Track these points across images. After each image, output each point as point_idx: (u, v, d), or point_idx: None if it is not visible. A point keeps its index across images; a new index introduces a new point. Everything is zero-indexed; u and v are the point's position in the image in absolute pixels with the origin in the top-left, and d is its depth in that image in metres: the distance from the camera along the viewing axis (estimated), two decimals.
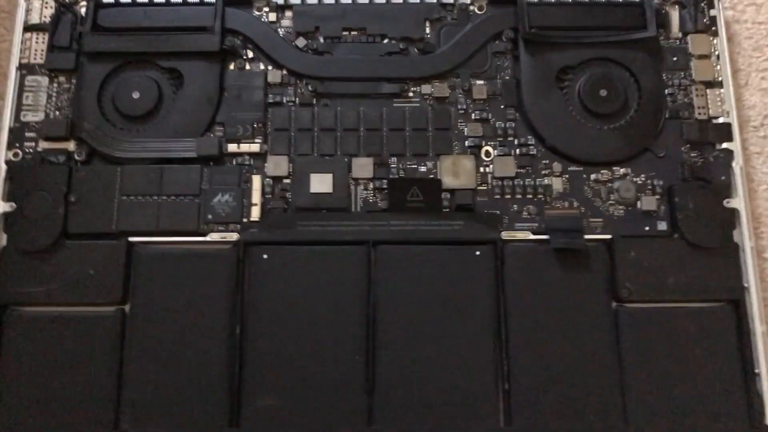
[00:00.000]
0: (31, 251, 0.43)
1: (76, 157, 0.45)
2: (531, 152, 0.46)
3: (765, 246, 0.46)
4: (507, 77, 0.47)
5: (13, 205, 0.43)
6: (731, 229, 0.44)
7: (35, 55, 0.47)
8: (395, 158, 0.45)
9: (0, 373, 0.41)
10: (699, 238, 0.43)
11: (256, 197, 0.44)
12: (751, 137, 0.48)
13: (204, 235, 0.43)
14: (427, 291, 0.43)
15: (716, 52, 0.47)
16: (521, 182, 0.45)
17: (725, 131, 0.46)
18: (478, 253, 0.43)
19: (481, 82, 0.47)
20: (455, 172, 0.45)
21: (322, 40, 0.47)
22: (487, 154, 0.46)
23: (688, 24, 0.47)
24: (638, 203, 0.45)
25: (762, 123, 0.48)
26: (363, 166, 0.45)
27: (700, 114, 0.46)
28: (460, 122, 0.46)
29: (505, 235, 0.44)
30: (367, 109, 0.46)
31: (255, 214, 0.44)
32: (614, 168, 0.45)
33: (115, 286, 0.42)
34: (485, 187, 0.45)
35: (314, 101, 0.46)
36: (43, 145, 0.45)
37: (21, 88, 0.46)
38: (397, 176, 0.45)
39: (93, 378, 0.41)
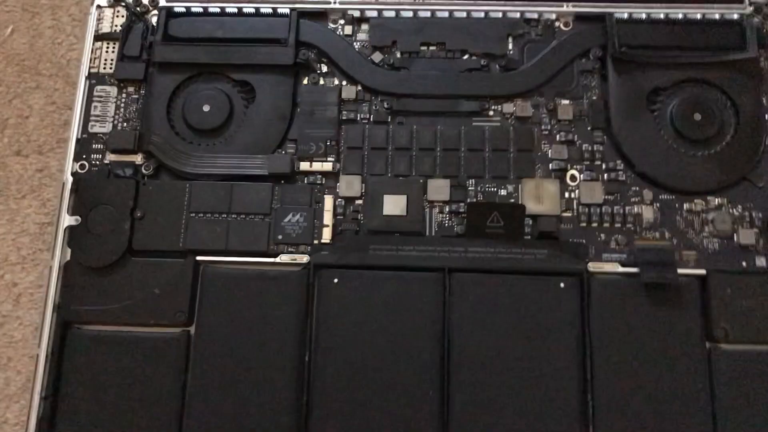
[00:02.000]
0: (96, 267, 0.43)
1: (144, 171, 0.45)
2: (620, 178, 0.44)
3: None
4: (594, 97, 0.46)
5: (78, 218, 0.44)
6: None
7: (105, 64, 0.47)
8: (473, 180, 0.44)
9: (62, 393, 0.41)
10: None
11: (327, 218, 0.44)
12: None
13: (274, 256, 0.43)
14: (506, 324, 0.41)
15: None
16: (609, 210, 0.44)
17: None
18: (562, 285, 0.42)
19: (567, 101, 0.46)
20: (538, 197, 0.44)
21: (398, 54, 0.47)
22: (573, 178, 0.44)
23: None
24: (735, 236, 0.43)
25: None
26: (439, 188, 0.44)
27: None
28: (544, 144, 0.45)
29: (592, 266, 0.42)
30: (445, 128, 0.45)
31: (326, 235, 0.43)
32: (709, 198, 0.44)
33: (181, 307, 0.42)
34: (570, 214, 0.44)
35: (389, 119, 0.46)
36: (110, 157, 0.45)
37: (90, 98, 0.46)
38: (475, 199, 0.44)
39: (155, 401, 0.41)
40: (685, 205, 0.44)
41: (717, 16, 0.46)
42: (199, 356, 0.42)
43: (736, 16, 0.46)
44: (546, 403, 0.40)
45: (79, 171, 0.45)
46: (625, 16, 0.46)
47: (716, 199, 0.44)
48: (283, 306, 0.42)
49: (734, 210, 0.43)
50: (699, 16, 0.46)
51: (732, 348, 0.41)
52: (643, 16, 0.46)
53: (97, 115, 0.46)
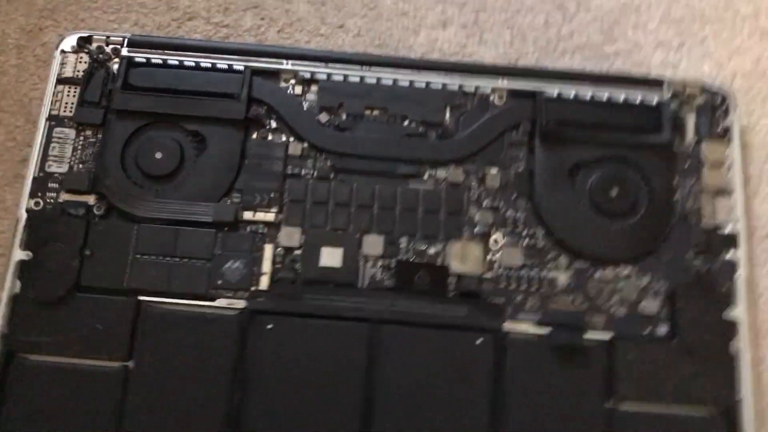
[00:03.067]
0: (43, 301, 0.46)
1: (95, 211, 0.48)
2: (539, 244, 0.49)
3: (763, 357, 0.49)
4: (521, 168, 0.50)
5: (30, 254, 0.47)
6: (730, 339, 0.47)
7: (65, 107, 0.50)
8: (406, 238, 0.48)
9: (2, 418, 0.44)
10: (697, 346, 0.46)
11: (266, 266, 0.47)
12: (757, 247, 0.51)
13: (212, 299, 0.46)
14: (427, 374, 0.45)
15: (729, 161, 0.50)
16: (527, 273, 0.48)
17: (732, 240, 0.48)
18: (478, 342, 0.46)
19: (495, 170, 0.50)
20: (464, 258, 0.48)
21: (344, 116, 0.51)
22: (496, 242, 0.49)
23: (702, 131, 0.51)
24: (640, 305, 0.47)
25: None
26: (373, 244, 0.48)
27: (707, 222, 0.49)
28: (472, 208, 0.49)
29: (507, 325, 0.46)
30: (383, 188, 0.49)
31: (264, 282, 0.47)
32: (619, 267, 0.48)
33: (122, 342, 0.45)
34: (491, 275, 0.48)
35: (332, 176, 0.50)
36: (64, 196, 0.48)
37: (49, 139, 0.49)
38: (406, 255, 0.48)
39: (94, 430, 0.44)
40: (597, 274, 0.48)
41: (638, 100, 0.51)
42: (136, 390, 0.45)
43: (654, 102, 0.51)
44: None
45: (33, 208, 0.48)
46: (555, 94, 0.51)
47: (626, 270, 0.48)
48: (218, 347, 0.45)
49: (641, 281, 0.48)
50: (621, 99, 0.51)
51: (632, 408, 0.45)
52: (571, 95, 0.51)
53: (55, 156, 0.49)
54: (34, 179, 0.49)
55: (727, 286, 0.48)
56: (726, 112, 0.51)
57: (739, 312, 0.47)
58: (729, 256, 0.48)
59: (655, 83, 0.51)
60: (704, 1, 0.56)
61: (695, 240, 0.49)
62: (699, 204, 0.49)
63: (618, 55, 0.54)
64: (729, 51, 0.54)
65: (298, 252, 0.48)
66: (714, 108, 0.51)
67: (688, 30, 0.55)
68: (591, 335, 0.46)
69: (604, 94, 0.51)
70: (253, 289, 0.47)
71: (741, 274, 0.48)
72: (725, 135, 0.51)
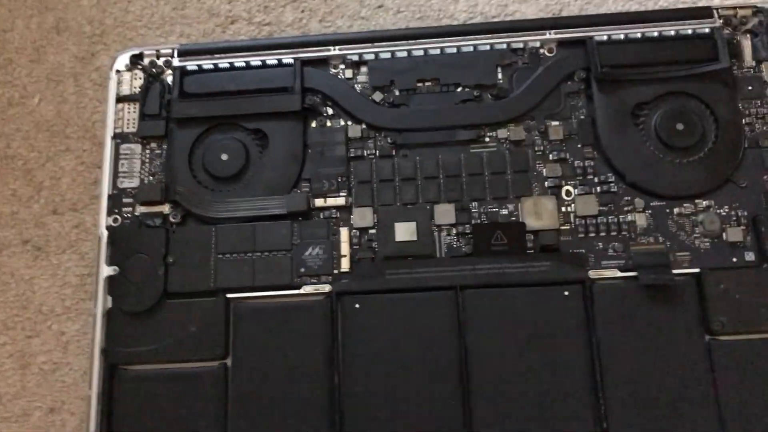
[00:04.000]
0: (136, 312, 0.47)
1: (172, 219, 0.49)
2: (612, 189, 0.48)
3: None
4: (582, 117, 0.50)
5: (116, 268, 0.48)
6: None
7: (128, 124, 0.52)
8: (476, 203, 0.49)
9: (114, 430, 0.45)
10: None
11: (344, 249, 0.48)
12: None
13: (298, 288, 0.47)
14: (518, 333, 0.45)
15: None
16: (604, 220, 0.48)
17: None
18: (566, 293, 0.46)
19: (557, 123, 0.50)
20: (537, 214, 0.48)
21: (397, 92, 0.51)
22: (568, 193, 0.48)
23: (762, 52, 0.50)
24: (724, 235, 0.47)
25: None
26: (445, 213, 0.48)
27: None
28: (539, 164, 0.49)
29: (593, 273, 0.46)
30: (446, 157, 0.50)
31: (345, 265, 0.48)
32: (697, 201, 0.48)
33: (217, 342, 0.46)
34: (568, 227, 0.48)
35: (394, 152, 0.50)
36: (140, 209, 0.50)
37: (116, 157, 0.51)
38: (479, 221, 0.48)
39: (201, 430, 0.45)
40: (675, 210, 0.48)
41: (690, 32, 0.50)
42: (237, 386, 0.46)
43: (707, 30, 0.50)
44: (561, 404, 0.44)
45: (112, 224, 0.49)
46: (605, 38, 0.50)
47: (704, 202, 0.48)
48: (310, 333, 0.46)
49: (721, 210, 0.47)
50: (673, 33, 0.50)
51: (730, 339, 0.45)
52: (622, 36, 0.50)
53: (125, 172, 0.51)
54: (109, 197, 0.50)
55: None
56: None
57: None
58: None
59: (705, 12, 0.50)
60: None
61: None
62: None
63: None
64: None
65: (373, 231, 0.49)
66: None
67: None
68: (678, 271, 0.46)
69: (654, 30, 0.50)
70: (335, 272, 0.48)
71: None
72: None
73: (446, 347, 0.45)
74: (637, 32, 0.50)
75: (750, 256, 0.46)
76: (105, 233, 0.49)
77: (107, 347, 0.47)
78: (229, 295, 0.47)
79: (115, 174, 0.51)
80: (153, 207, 0.50)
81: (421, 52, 0.52)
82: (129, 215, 0.50)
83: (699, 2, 0.53)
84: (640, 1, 0.54)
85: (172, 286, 0.48)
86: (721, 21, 0.50)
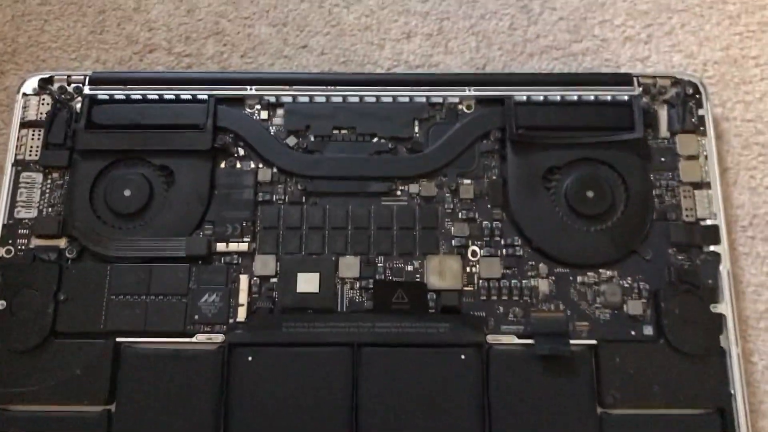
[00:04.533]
0: (20, 350, 0.45)
1: (68, 255, 0.48)
2: (517, 253, 0.48)
3: (752, 349, 0.48)
4: (494, 177, 0.49)
5: (3, 303, 0.46)
6: (718, 334, 0.46)
7: (30, 151, 0.50)
8: (382, 257, 0.48)
9: None
10: (684, 344, 0.45)
11: (243, 297, 0.47)
12: (740, 237, 0.50)
13: (190, 336, 0.46)
14: (412, 394, 0.45)
15: (704, 153, 0.49)
16: (507, 283, 0.47)
17: (713, 234, 0.48)
18: (463, 356, 0.45)
19: (468, 181, 0.49)
20: (441, 273, 0.47)
21: (312, 138, 0.50)
22: (474, 254, 0.48)
23: (676, 124, 0.50)
24: (624, 307, 0.47)
25: (750, 223, 0.50)
26: (350, 266, 0.48)
27: (687, 216, 0.48)
28: (447, 221, 0.49)
29: (491, 338, 0.46)
30: (356, 208, 0.49)
31: (241, 314, 0.47)
32: (601, 270, 0.48)
33: (102, 386, 0.45)
34: (471, 288, 0.47)
35: (303, 199, 0.49)
36: (35, 242, 0.48)
37: (16, 185, 0.49)
38: (383, 276, 0.47)
39: None
40: (579, 278, 0.47)
41: (609, 98, 0.50)
42: None
43: (626, 98, 0.50)
44: None
45: (5, 256, 0.48)
46: (524, 98, 0.50)
47: (608, 272, 0.48)
48: (200, 383, 0.45)
49: (624, 282, 0.47)
50: (592, 98, 0.50)
51: (621, 413, 0.45)
52: (541, 98, 0.50)
53: (23, 201, 0.49)
54: (4, 226, 0.48)
55: (712, 281, 0.47)
56: (699, 103, 0.50)
57: (725, 306, 0.46)
58: (711, 249, 0.48)
59: (625, 79, 0.50)
60: None
61: (676, 236, 0.48)
62: (678, 199, 0.49)
63: (586, 53, 0.54)
64: (698, 40, 0.54)
65: (274, 280, 0.47)
66: (686, 100, 0.50)
67: (655, 22, 0.54)
68: (576, 341, 0.46)
69: (573, 94, 0.50)
70: (231, 321, 0.46)
71: (725, 267, 0.47)
72: (699, 126, 0.50)
73: (339, 405, 0.44)
74: (556, 95, 0.50)
75: (648, 330, 0.46)
76: None
77: None
78: (119, 339, 0.46)
79: (13, 203, 0.49)
80: (49, 240, 0.48)
81: (340, 99, 0.51)
82: (23, 247, 0.48)
83: (622, 68, 0.53)
84: (564, 61, 0.53)
85: (61, 326, 0.46)
86: (640, 89, 0.50)
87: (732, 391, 0.45)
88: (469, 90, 0.50)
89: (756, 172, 0.51)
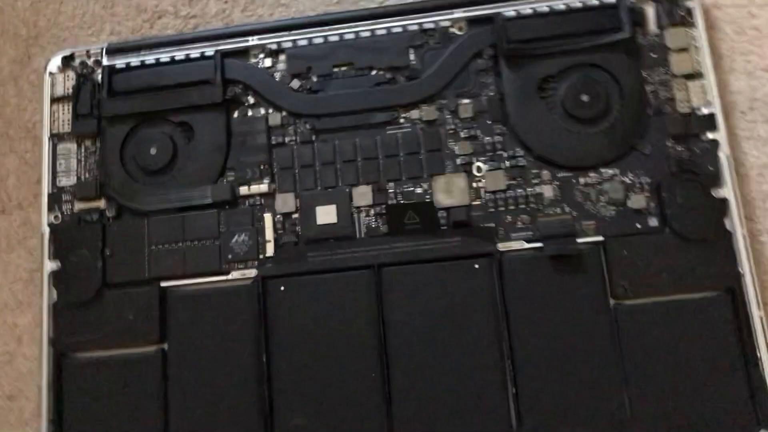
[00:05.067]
0: (78, 303, 0.50)
1: (108, 214, 0.52)
2: (520, 164, 0.50)
3: (760, 230, 0.49)
4: (491, 94, 0.51)
5: (59, 263, 0.51)
6: (722, 218, 0.47)
7: (63, 124, 0.54)
8: (392, 183, 0.51)
9: (65, 414, 0.49)
10: (689, 231, 0.47)
11: (269, 234, 0.51)
12: (740, 122, 0.50)
13: (226, 273, 0.50)
14: (432, 306, 0.48)
15: (695, 44, 0.50)
16: (513, 194, 0.49)
17: (709, 121, 0.49)
18: (476, 266, 0.48)
19: (467, 101, 0.51)
20: (449, 191, 0.50)
21: (315, 79, 0.53)
22: (479, 170, 0.50)
23: (664, 18, 0.50)
24: (628, 202, 0.48)
25: (750, 107, 0.51)
26: (363, 195, 0.51)
27: (682, 107, 0.49)
28: (450, 142, 0.51)
29: (501, 246, 0.48)
30: (363, 140, 0.52)
31: (269, 249, 0.50)
32: (602, 170, 0.49)
33: (153, 328, 0.50)
34: (479, 202, 0.50)
35: (314, 138, 0.52)
36: (78, 206, 0.53)
37: (54, 156, 0.54)
38: (394, 200, 0.50)
39: (143, 412, 0.49)
40: (581, 180, 0.49)
41: (596, 2, 0.51)
42: (174, 368, 0.49)
43: (612, 0, 0.51)
44: (474, 370, 0.47)
45: (53, 221, 0.52)
46: (513, 13, 0.51)
47: (609, 171, 0.49)
48: (240, 315, 0.49)
49: (626, 178, 0.49)
50: (579, 5, 0.51)
51: (634, 302, 0.47)
52: (529, 11, 0.51)
53: (63, 170, 0.53)
54: (49, 195, 0.53)
55: (712, 167, 0.48)
56: None
57: (727, 190, 0.47)
58: (709, 137, 0.49)
59: None
60: None
61: (673, 128, 0.49)
62: (672, 92, 0.50)
63: None
64: None
65: (295, 215, 0.51)
66: None
67: None
68: (583, 240, 0.48)
69: (560, 3, 0.51)
70: (261, 257, 0.50)
71: (724, 153, 0.48)
72: (688, 18, 0.50)
73: (366, 323, 0.48)
74: (544, 5, 0.51)
75: (653, 222, 0.48)
76: (47, 230, 0.52)
77: (55, 337, 0.50)
78: (162, 283, 0.50)
79: (54, 173, 0.53)
80: (90, 203, 0.53)
81: (337, 38, 0.53)
82: (68, 212, 0.53)
83: None
84: None
85: (110, 277, 0.51)
86: None
87: (741, 271, 0.47)
88: (459, 12, 0.52)
89: (752, 57, 0.51)
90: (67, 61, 0.55)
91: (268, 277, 0.49)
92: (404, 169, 0.51)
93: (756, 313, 0.46)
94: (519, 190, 0.50)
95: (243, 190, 0.52)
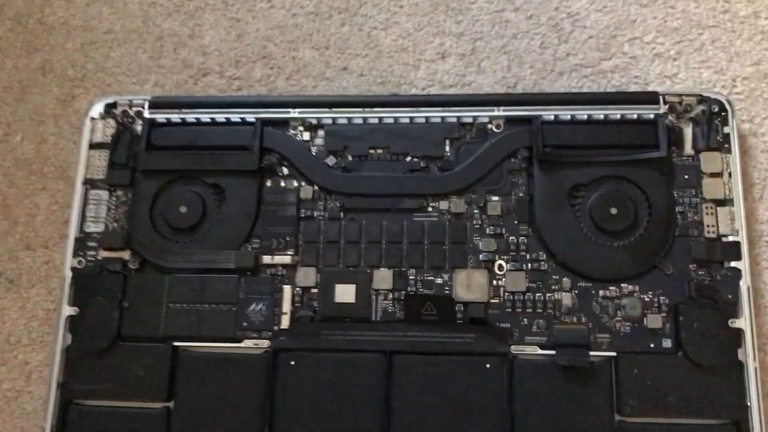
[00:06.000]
0: (91, 351, 0.51)
1: (131, 266, 0.53)
2: (542, 267, 0.51)
3: None
4: (521, 194, 0.52)
5: (77, 309, 0.52)
6: (735, 348, 0.48)
7: (98, 170, 0.55)
8: (414, 270, 0.51)
9: None
10: (702, 358, 0.47)
11: (286, 306, 0.51)
12: (764, 252, 0.51)
13: (240, 341, 0.51)
14: (440, 399, 0.48)
15: (728, 170, 0.51)
16: (532, 297, 0.50)
17: (734, 250, 0.49)
18: (488, 365, 0.48)
19: (496, 198, 0.52)
20: (469, 286, 0.50)
21: (350, 158, 0.54)
22: (500, 268, 0.51)
23: (701, 142, 0.51)
24: (644, 320, 0.49)
25: None
26: (384, 278, 0.51)
27: (709, 232, 0.50)
28: (476, 236, 0.52)
29: (515, 348, 0.49)
30: (389, 223, 0.52)
31: (285, 322, 0.51)
32: (622, 285, 0.50)
33: (161, 386, 0.50)
34: (497, 301, 0.50)
35: (342, 215, 0.53)
36: (103, 254, 0.53)
37: (85, 201, 0.55)
38: (414, 288, 0.51)
39: None
40: (600, 292, 0.50)
41: (635, 116, 0.52)
42: (177, 428, 0.49)
43: (651, 116, 0.52)
44: None
45: (77, 266, 0.53)
46: (551, 117, 0.52)
47: (629, 287, 0.50)
48: (248, 384, 0.50)
49: (645, 296, 0.49)
50: (618, 116, 0.52)
51: (638, 421, 0.47)
52: (568, 117, 0.52)
53: (92, 216, 0.54)
54: (76, 240, 0.54)
55: (731, 295, 0.49)
56: (724, 121, 0.51)
57: (743, 321, 0.48)
58: (732, 265, 0.49)
59: (651, 98, 0.52)
60: (701, 6, 0.56)
61: (697, 252, 0.49)
62: (700, 216, 0.50)
63: (615, 71, 0.55)
64: (728, 55, 0.55)
65: (315, 291, 0.52)
66: (712, 117, 0.52)
67: (685, 38, 0.55)
68: (596, 353, 0.48)
69: (600, 113, 0.52)
70: (275, 328, 0.51)
71: (745, 283, 0.48)
72: (724, 144, 0.51)
73: (372, 406, 0.48)
74: (583, 114, 0.52)
75: (667, 343, 0.48)
76: (69, 275, 0.53)
77: (64, 382, 0.51)
78: (176, 343, 0.51)
79: (83, 218, 0.54)
80: (114, 252, 0.53)
81: (376, 120, 0.54)
82: (92, 259, 0.53)
83: (650, 85, 0.55)
84: (594, 79, 0.55)
85: (125, 330, 0.51)
86: (666, 107, 0.52)
87: (748, 404, 0.47)
88: (498, 110, 0.53)
89: None
90: (110, 108, 0.56)
91: (281, 349, 0.50)
92: (427, 257, 0.51)
93: None
94: (538, 294, 0.50)
95: (266, 259, 0.52)
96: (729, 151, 0.51)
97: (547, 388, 0.48)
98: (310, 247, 0.53)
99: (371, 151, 0.54)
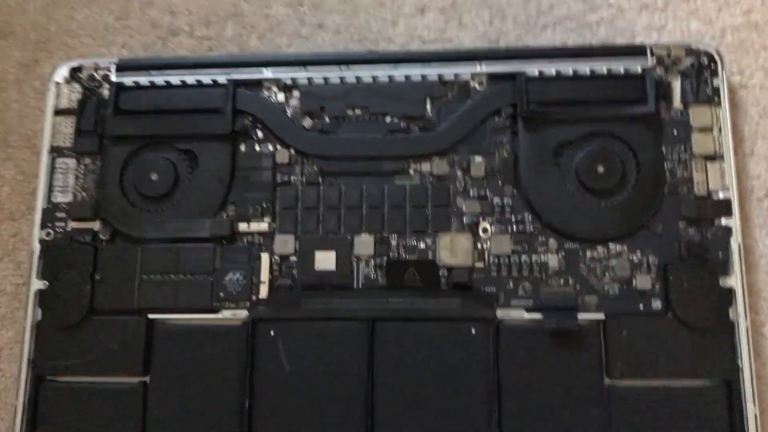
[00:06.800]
0: (63, 326, 0.49)
1: (101, 237, 0.51)
2: (528, 229, 0.49)
3: (763, 322, 0.48)
4: (506, 154, 0.50)
5: (46, 283, 0.50)
6: (726, 308, 0.46)
7: (64, 138, 0.53)
8: (395, 235, 0.50)
9: None
10: (692, 318, 0.46)
11: (264, 275, 0.49)
12: (755, 209, 0.50)
13: (217, 312, 0.49)
14: (424, 367, 0.47)
15: (719, 124, 0.49)
16: (517, 259, 0.48)
17: (725, 207, 0.48)
18: (473, 330, 0.47)
19: (480, 159, 0.50)
20: (453, 250, 0.49)
21: (327, 119, 0.51)
22: (485, 230, 0.49)
23: (690, 95, 0.49)
24: (633, 281, 0.47)
25: (767, 194, 0.49)
26: (365, 244, 0.49)
27: (699, 189, 0.48)
28: (459, 199, 0.50)
29: (501, 313, 0.47)
30: (370, 187, 0.50)
31: (263, 291, 0.49)
32: (610, 245, 0.48)
33: (137, 360, 0.48)
34: (482, 264, 0.49)
35: (320, 180, 0.51)
36: (72, 225, 0.51)
37: (52, 170, 0.52)
38: (397, 253, 0.49)
39: None
40: (588, 253, 0.48)
41: (621, 70, 0.50)
42: (154, 403, 0.48)
43: (639, 70, 0.50)
44: None
45: (45, 238, 0.51)
46: (536, 73, 0.50)
47: (617, 247, 0.48)
48: (226, 357, 0.48)
49: (633, 257, 0.48)
50: (605, 71, 0.50)
51: (628, 384, 0.46)
52: (553, 72, 0.50)
53: (60, 186, 0.52)
54: (43, 210, 0.52)
55: (722, 254, 0.47)
56: (714, 73, 0.50)
57: (734, 280, 0.47)
58: (723, 223, 0.48)
59: (639, 50, 0.50)
60: None
61: (687, 210, 0.48)
62: (690, 172, 0.49)
63: (601, 23, 0.53)
64: (717, 5, 0.53)
65: (293, 258, 0.50)
66: (701, 69, 0.50)
67: None
68: (584, 316, 0.47)
69: (586, 67, 0.50)
70: (254, 298, 0.49)
71: (736, 241, 0.47)
72: (714, 97, 0.49)
73: (356, 377, 0.47)
74: (568, 68, 0.50)
75: (656, 304, 0.47)
76: (38, 247, 0.51)
77: (35, 358, 0.49)
78: (150, 315, 0.49)
79: (50, 188, 0.52)
80: (84, 223, 0.51)
81: (354, 79, 0.52)
82: (61, 230, 0.51)
83: (637, 37, 0.53)
84: (579, 32, 0.53)
85: (98, 303, 0.50)
86: (654, 60, 0.50)
87: (740, 364, 0.46)
88: (481, 66, 0.51)
89: None
90: (75, 72, 0.53)
91: (259, 320, 0.48)
92: (409, 222, 0.50)
93: (751, 408, 0.45)
94: (524, 257, 0.49)
95: (242, 226, 0.50)
96: (719, 104, 0.49)
97: (535, 352, 0.47)
98: (287, 213, 0.51)
99: (349, 111, 0.52)
